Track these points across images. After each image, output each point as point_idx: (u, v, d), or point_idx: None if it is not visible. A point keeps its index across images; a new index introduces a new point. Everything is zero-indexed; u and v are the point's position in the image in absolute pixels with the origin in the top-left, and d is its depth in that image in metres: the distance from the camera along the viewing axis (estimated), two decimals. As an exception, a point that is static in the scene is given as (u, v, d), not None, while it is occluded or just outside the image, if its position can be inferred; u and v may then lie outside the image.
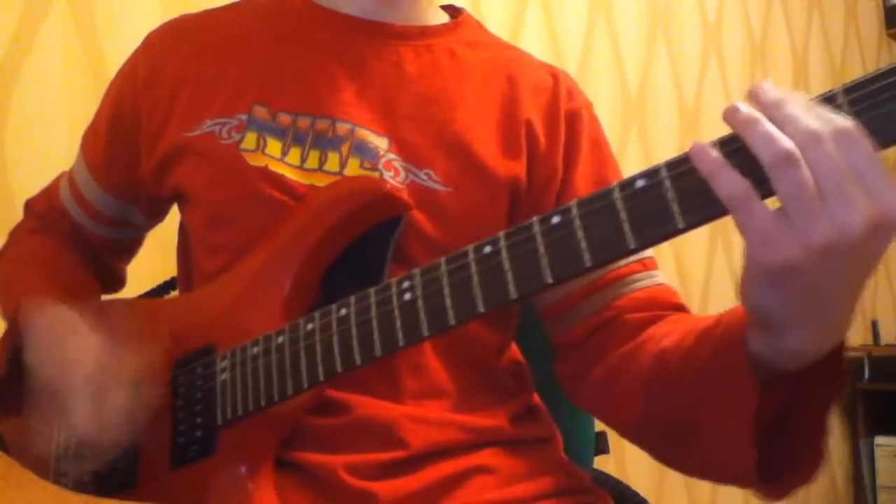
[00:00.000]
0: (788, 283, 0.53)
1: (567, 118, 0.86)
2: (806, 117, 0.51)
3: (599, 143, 0.88)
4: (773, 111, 0.52)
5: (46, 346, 0.79)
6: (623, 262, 0.80)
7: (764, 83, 0.53)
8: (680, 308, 0.81)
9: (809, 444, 0.63)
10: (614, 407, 0.79)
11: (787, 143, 0.50)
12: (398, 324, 0.65)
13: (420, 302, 0.64)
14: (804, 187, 0.50)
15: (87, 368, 0.75)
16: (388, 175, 0.79)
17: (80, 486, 0.80)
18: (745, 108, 0.52)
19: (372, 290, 0.67)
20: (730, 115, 0.53)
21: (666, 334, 0.74)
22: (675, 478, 2.32)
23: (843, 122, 0.50)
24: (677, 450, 0.72)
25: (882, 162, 0.50)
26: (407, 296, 0.65)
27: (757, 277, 0.55)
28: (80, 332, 0.79)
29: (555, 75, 0.89)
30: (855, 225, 0.50)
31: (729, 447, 0.63)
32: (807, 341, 0.57)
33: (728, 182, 0.52)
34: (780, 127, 0.51)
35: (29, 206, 1.01)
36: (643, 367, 0.74)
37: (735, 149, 0.53)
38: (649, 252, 0.82)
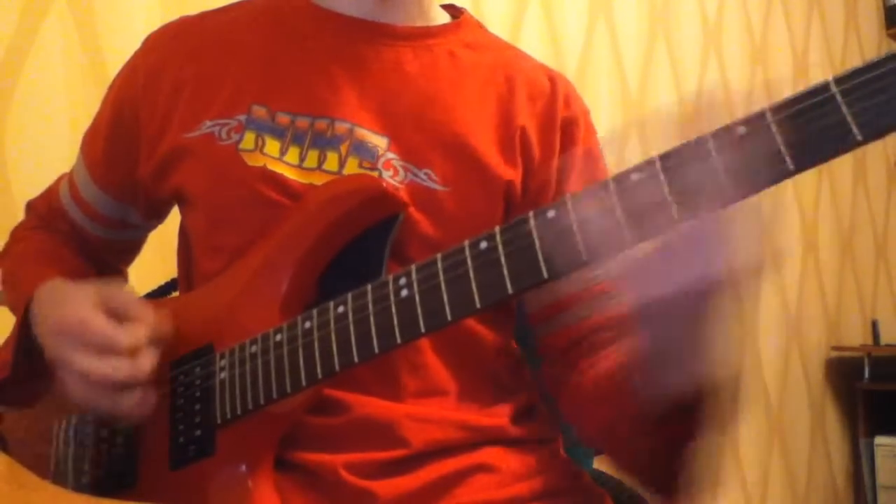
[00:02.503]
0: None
1: (563, 126, 0.86)
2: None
3: (593, 153, 0.88)
4: None
5: (50, 316, 0.77)
6: None
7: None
8: None
9: (673, 480, 0.66)
10: (576, 418, 0.82)
11: None
12: (395, 320, 0.65)
13: (417, 298, 0.64)
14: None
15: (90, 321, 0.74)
16: (387, 175, 0.79)
17: (80, 487, 0.80)
18: None
19: (369, 287, 0.67)
20: None
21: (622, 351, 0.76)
22: (675, 478, 2.31)
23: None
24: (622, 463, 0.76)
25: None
26: (404, 292, 0.65)
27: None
28: (78, 290, 0.77)
29: (553, 80, 0.89)
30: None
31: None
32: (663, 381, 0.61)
33: None
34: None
35: (30, 207, 1.01)
36: (595, 382, 0.76)
37: (672, 165, 0.55)
38: None
